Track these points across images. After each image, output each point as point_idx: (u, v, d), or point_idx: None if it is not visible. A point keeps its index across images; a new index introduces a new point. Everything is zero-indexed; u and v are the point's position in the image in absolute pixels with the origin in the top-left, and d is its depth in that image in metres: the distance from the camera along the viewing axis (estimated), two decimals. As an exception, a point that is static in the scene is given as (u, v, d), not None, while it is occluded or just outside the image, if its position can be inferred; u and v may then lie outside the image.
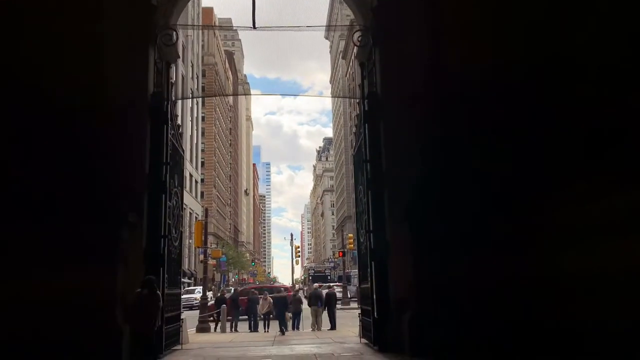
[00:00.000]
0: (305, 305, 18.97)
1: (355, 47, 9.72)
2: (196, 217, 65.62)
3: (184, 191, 59.64)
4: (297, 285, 41.25)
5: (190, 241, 58.40)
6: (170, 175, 9.38)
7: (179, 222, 9.91)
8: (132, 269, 8.37)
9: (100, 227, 7.51)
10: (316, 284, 19.93)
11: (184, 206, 55.35)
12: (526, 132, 7.14)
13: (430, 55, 8.66)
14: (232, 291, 23.99)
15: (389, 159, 8.83)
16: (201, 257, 62.85)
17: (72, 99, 7.40)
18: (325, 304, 18.00)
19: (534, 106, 7.24)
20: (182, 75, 62.79)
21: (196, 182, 71.59)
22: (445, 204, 7.63)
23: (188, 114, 66.21)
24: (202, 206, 77.81)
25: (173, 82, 9.55)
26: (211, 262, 59.90)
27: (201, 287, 51.04)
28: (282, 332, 16.18)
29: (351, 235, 40.45)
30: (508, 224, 7.01)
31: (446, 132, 8.23)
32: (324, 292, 19.78)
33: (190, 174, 66.64)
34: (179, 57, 10.89)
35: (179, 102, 59.81)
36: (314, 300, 18.09)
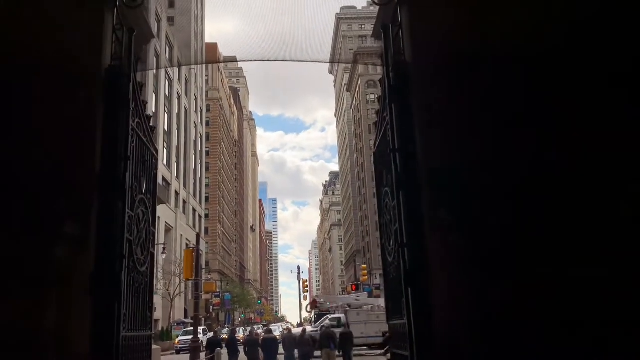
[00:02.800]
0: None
1: (376, 5, 7.47)
2: (199, 254, 63.14)
3: (189, 226, 57.30)
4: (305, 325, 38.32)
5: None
6: (133, 177, 7.01)
7: (148, 240, 7.50)
8: (72, 301, 5.95)
9: (18, 239, 5.15)
10: (327, 322, 17.26)
11: (186, 242, 52.96)
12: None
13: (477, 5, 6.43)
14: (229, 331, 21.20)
15: (427, 145, 6.46)
16: (207, 296, 60.11)
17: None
18: (340, 345, 15.33)
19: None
20: (185, 108, 61.49)
21: (200, 217, 69.41)
22: (522, 202, 5.25)
23: (191, 148, 64.67)
24: (206, 242, 75.46)
25: (139, 57, 7.30)
26: (215, 300, 57.07)
27: (205, 327, 48.05)
28: None
29: (364, 266, 37.72)
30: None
31: (508, 107, 5.92)
32: (337, 331, 17.14)
33: (193, 208, 64.54)
34: (153, 37, 8.48)
35: (181, 130, 58.18)
36: (326, 341, 15.37)
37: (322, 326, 17.13)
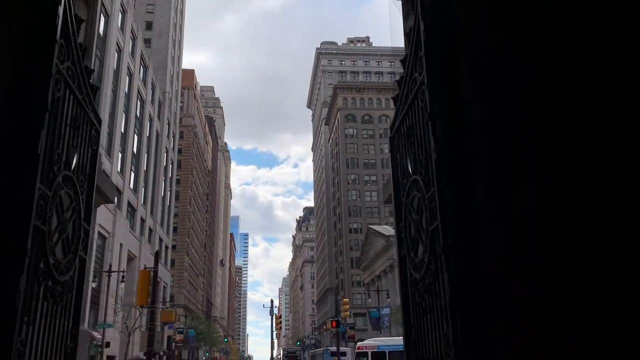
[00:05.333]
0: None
1: None
2: (164, 287, 59.45)
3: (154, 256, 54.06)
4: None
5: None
6: (57, 141, 4.85)
7: (77, 239, 5.27)
8: None
9: None
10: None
11: (151, 272, 49.90)
12: None
13: None
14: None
15: (483, 110, 4.48)
16: (169, 332, 56.01)
17: None
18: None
19: None
20: (157, 132, 59.02)
21: (167, 247, 65.92)
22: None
23: (161, 174, 61.88)
24: (172, 275, 71.69)
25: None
26: (178, 336, 53.28)
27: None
28: None
29: (346, 300, 35.26)
30: None
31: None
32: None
33: (160, 238, 61.21)
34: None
35: (151, 154, 55.47)
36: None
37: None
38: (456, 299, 4.37)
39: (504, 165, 4.39)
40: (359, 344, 35.66)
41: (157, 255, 16.74)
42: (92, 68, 6.26)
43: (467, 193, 4.65)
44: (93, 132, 5.94)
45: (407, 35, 5.82)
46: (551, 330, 3.77)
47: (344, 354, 41.75)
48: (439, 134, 4.85)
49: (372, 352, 31.62)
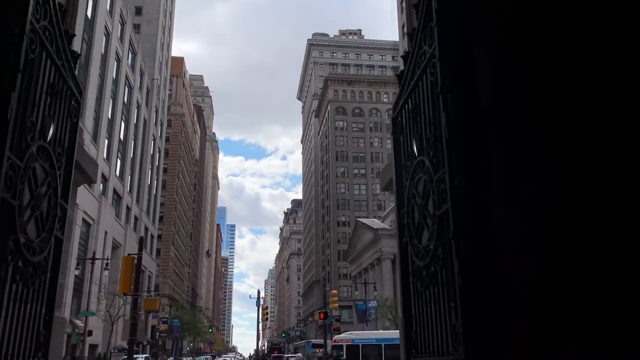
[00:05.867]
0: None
1: None
2: (149, 276, 58.82)
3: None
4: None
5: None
6: (30, 108, 4.43)
7: (52, 217, 4.85)
8: None
9: None
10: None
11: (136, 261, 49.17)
12: None
13: None
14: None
15: (502, 84, 4.10)
16: (153, 321, 55.41)
17: None
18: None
19: None
20: (145, 119, 58.10)
21: (152, 237, 65.13)
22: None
23: (148, 162, 60.98)
24: (158, 265, 70.99)
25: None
26: (162, 326, 52.74)
27: (147, 355, 43.79)
28: None
29: (335, 292, 35.08)
30: None
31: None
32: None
33: (145, 227, 60.42)
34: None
35: (138, 141, 54.59)
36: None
37: None
38: (468, 288, 4.00)
39: (521, 148, 4.00)
40: (335, 337, 36.45)
41: (141, 241, 16.24)
42: (74, 33, 5.79)
43: (480, 174, 4.28)
44: (73, 102, 5.48)
45: (415, 7, 5.41)
46: (564, 330, 3.37)
47: (324, 346, 42.50)
48: (451, 109, 4.46)
49: (346, 345, 32.78)
